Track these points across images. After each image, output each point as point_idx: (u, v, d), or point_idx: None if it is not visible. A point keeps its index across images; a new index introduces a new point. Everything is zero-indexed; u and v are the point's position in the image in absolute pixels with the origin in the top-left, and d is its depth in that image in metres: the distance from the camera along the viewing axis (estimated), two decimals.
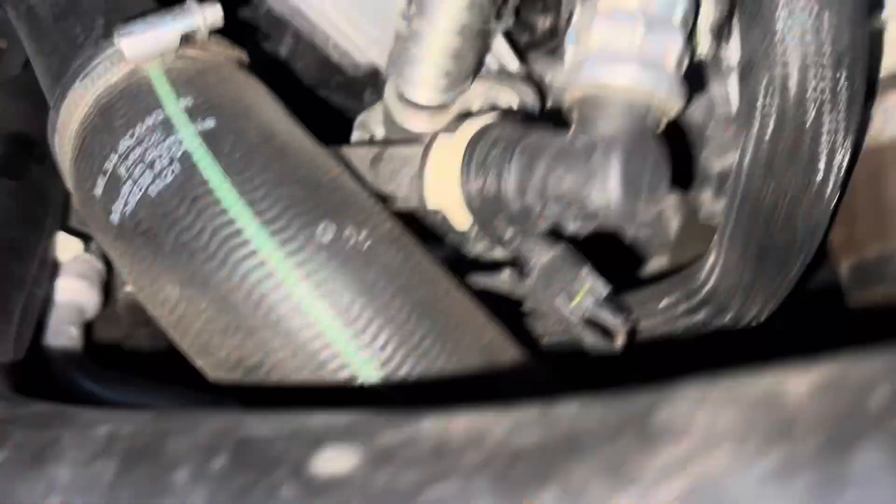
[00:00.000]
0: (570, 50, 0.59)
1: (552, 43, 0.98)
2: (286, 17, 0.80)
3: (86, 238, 1.02)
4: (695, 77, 0.59)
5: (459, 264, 0.77)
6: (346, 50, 0.82)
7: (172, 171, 0.60)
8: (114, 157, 0.63)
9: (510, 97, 0.77)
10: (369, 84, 0.98)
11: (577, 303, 0.72)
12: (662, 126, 0.57)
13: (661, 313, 0.80)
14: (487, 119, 0.63)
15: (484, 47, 0.74)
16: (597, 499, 0.29)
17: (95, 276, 1.03)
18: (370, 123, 0.86)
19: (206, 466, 0.37)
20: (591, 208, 0.54)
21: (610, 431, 0.32)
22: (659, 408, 0.33)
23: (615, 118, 0.55)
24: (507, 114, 0.67)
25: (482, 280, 0.76)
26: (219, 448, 0.38)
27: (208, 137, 0.62)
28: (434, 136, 0.65)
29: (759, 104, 0.56)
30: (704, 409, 0.32)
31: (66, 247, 0.99)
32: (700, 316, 0.78)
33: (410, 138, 0.80)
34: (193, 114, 0.63)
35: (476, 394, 0.61)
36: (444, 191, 0.62)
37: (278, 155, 0.62)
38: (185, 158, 0.61)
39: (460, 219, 0.63)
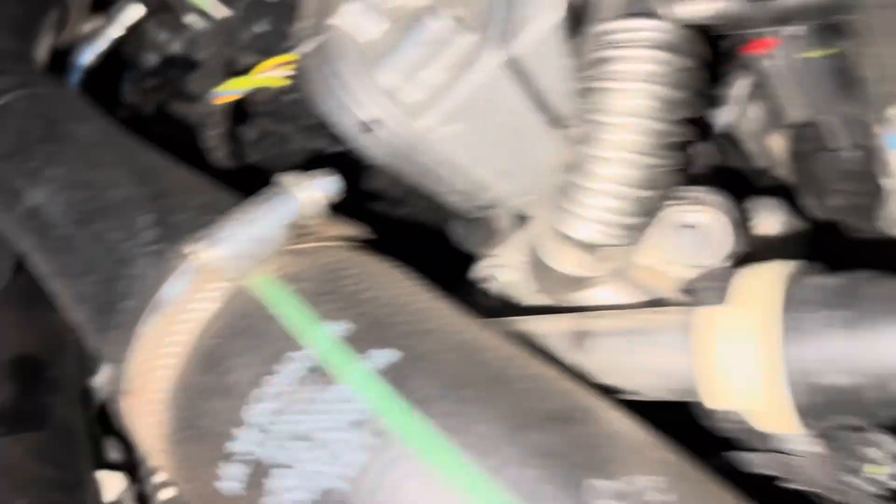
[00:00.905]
0: None
1: None
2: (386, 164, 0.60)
3: (127, 468, 0.81)
4: None
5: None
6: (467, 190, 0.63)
7: (363, 447, 0.38)
8: (242, 436, 0.41)
9: (701, 217, 0.57)
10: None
11: (875, 473, 0.52)
12: None
13: None
14: (779, 271, 0.43)
15: (675, 160, 0.55)
16: None
17: None
18: (504, 268, 0.66)
19: None
20: None
21: None
22: None
23: None
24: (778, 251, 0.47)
25: (739, 460, 0.56)
26: None
27: (397, 379, 0.40)
28: (694, 305, 0.44)
29: None
30: None
31: (108, 486, 0.79)
32: None
33: (580, 286, 0.60)
34: (359, 345, 0.41)
35: None
36: (743, 387, 0.42)
37: (495, 380, 0.41)
38: (374, 420, 0.39)
39: (774, 422, 0.42)
